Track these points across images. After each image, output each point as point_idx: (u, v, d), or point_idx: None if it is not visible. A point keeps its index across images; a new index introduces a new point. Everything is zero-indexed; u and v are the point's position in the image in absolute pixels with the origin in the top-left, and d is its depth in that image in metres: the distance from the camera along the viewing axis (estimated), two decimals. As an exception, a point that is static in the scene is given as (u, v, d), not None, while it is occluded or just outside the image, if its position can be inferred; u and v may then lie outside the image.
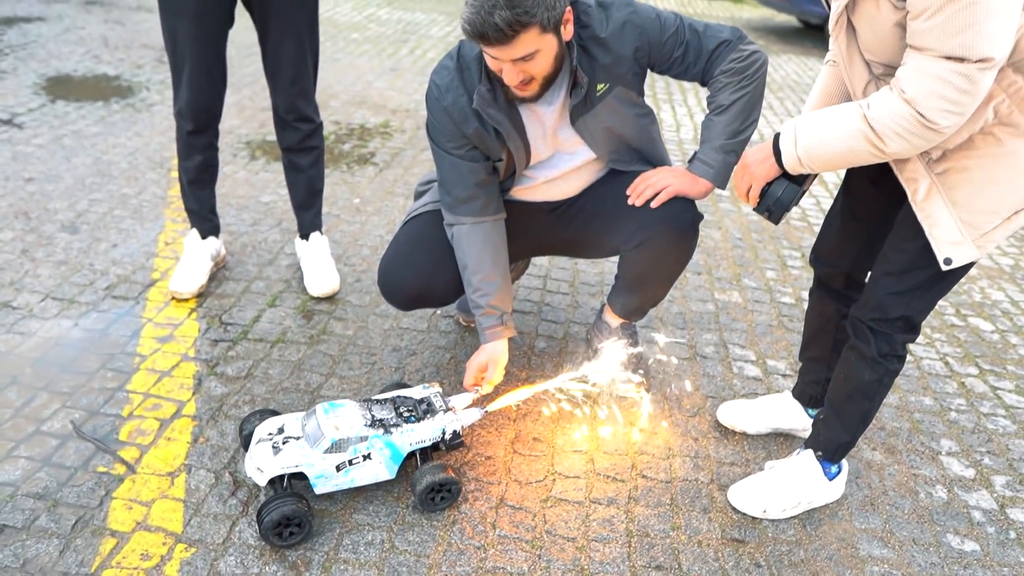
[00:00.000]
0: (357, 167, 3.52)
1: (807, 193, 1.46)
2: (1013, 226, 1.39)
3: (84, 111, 3.84)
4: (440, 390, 1.80)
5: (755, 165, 1.51)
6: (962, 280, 3.07)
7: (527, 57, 1.58)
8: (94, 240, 2.65)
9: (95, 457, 1.73)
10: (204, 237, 2.45)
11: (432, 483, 1.63)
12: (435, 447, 1.71)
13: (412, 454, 1.69)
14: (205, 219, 2.45)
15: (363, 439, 1.60)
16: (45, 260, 2.50)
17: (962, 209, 1.39)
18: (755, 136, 1.72)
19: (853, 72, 1.42)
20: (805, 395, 1.99)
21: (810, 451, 1.80)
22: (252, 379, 2.05)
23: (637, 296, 2.04)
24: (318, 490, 1.61)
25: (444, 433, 1.70)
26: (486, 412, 1.82)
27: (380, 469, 1.65)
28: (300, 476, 1.60)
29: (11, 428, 1.79)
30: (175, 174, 3.18)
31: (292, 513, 1.51)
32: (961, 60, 1.18)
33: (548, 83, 1.69)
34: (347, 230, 2.91)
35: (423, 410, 1.71)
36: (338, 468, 1.60)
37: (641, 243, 1.90)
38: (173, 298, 2.35)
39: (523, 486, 1.78)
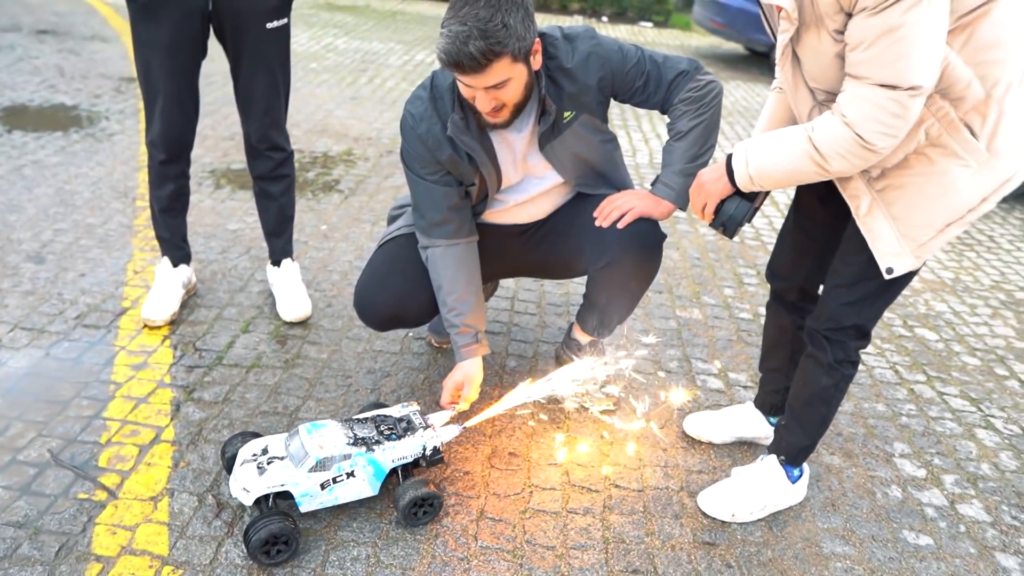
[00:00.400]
0: (323, 195, 3.56)
1: (759, 211, 1.56)
2: (946, 237, 1.51)
3: (43, 141, 3.82)
4: (419, 408, 1.85)
5: (710, 184, 1.61)
6: (908, 293, 3.23)
7: (499, 85, 1.66)
8: (61, 270, 2.64)
9: (75, 484, 1.74)
10: (175, 265, 2.47)
11: (415, 498, 1.68)
12: (416, 464, 1.76)
13: (394, 471, 1.73)
14: (176, 247, 2.47)
15: (346, 457, 1.64)
16: (11, 290, 2.49)
17: (900, 223, 1.50)
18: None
19: (798, 98, 1.54)
20: (766, 404, 2.09)
21: (773, 456, 1.90)
22: (230, 403, 2.07)
23: (605, 313, 2.13)
24: (303, 508, 1.65)
25: (424, 450, 1.75)
26: (464, 428, 1.88)
27: (363, 486, 1.69)
28: (285, 495, 1.62)
29: (-13, 458, 1.79)
30: (141, 203, 3.19)
31: (280, 531, 1.55)
32: (893, 87, 1.30)
33: (518, 110, 1.77)
34: (316, 256, 2.94)
35: (403, 428, 1.76)
36: (323, 486, 1.63)
37: (608, 264, 1.99)
38: (146, 326, 2.36)
39: (502, 499, 1.83)
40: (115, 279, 2.62)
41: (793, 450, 1.87)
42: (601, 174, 2.05)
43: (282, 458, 1.64)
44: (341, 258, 2.95)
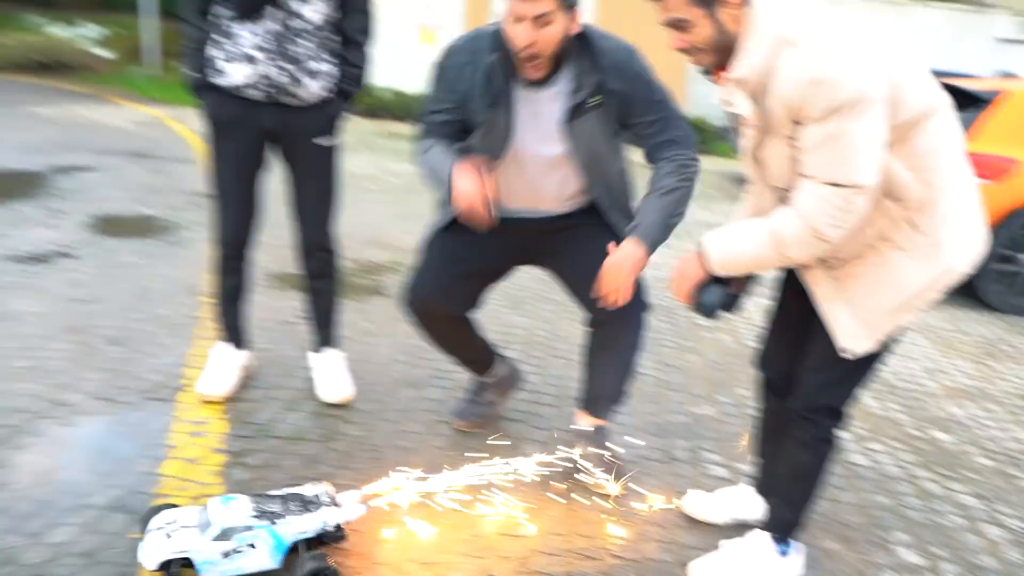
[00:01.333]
0: (368, 297, 3.89)
1: (744, 297, 1.76)
2: (897, 321, 1.71)
3: (129, 245, 4.30)
4: (330, 488, 1.98)
5: (687, 269, 1.85)
6: (924, 397, 3.33)
7: (543, 19, 1.92)
8: (134, 351, 2.98)
9: (131, 527, 1.97)
10: (234, 348, 2.78)
11: (311, 569, 1.77)
12: (319, 540, 1.87)
13: (297, 546, 1.83)
14: (235, 333, 2.79)
15: (249, 528, 1.77)
16: (92, 366, 2.83)
17: (856, 307, 1.71)
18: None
19: (763, 195, 1.79)
20: (764, 487, 2.23)
21: (763, 532, 2.03)
22: (272, 469, 2.31)
23: (598, 381, 2.36)
24: (209, 575, 1.76)
25: (326, 525, 1.86)
26: (368, 507, 1.99)
27: (265, 558, 1.80)
28: (189, 563, 1.74)
29: (59, 502, 2.05)
30: (204, 298, 3.56)
31: None
32: (839, 185, 1.55)
33: (551, 69, 2.05)
34: (358, 349, 3.22)
35: (309, 505, 1.89)
36: (225, 555, 1.75)
37: (598, 322, 2.27)
38: (204, 400, 2.64)
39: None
40: (179, 361, 2.94)
41: (780, 525, 2.00)
42: (611, 187, 2.24)
43: (189, 527, 1.78)
44: (381, 352, 3.23)
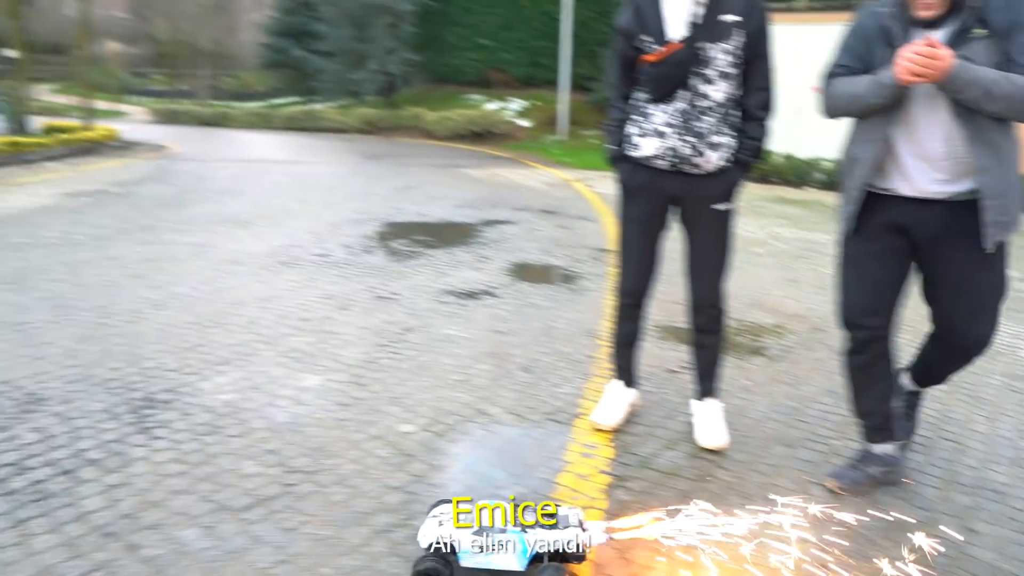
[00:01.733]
0: (749, 356, 3.99)
1: None
2: None
3: (538, 290, 4.99)
4: (582, 513, 2.14)
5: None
6: None
7: None
8: (541, 379, 3.48)
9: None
10: (624, 387, 3.11)
11: None
12: (562, 555, 2.05)
13: (541, 555, 2.04)
14: (627, 373, 3.12)
15: (503, 531, 2.04)
16: (507, 387, 3.38)
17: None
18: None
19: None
20: None
21: None
22: (648, 496, 2.55)
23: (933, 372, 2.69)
24: (463, 563, 2.06)
25: (568, 543, 2.03)
26: (610, 538, 2.11)
27: (512, 560, 2.04)
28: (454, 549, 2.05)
29: (480, 488, 2.52)
30: (600, 342, 3.99)
31: (431, 570, 2.01)
32: None
33: (945, 9, 2.20)
34: (735, 403, 3.35)
35: (560, 523, 2.08)
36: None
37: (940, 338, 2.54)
38: (595, 428, 3.00)
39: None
40: (577, 393, 3.36)
41: None
42: (999, 154, 2.26)
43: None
44: (758, 408, 3.32)
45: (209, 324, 4.12)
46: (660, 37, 2.66)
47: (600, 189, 9.91)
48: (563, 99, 17.40)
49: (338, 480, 2.58)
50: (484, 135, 17.49)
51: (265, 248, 6.02)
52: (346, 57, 20.85)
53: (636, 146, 2.78)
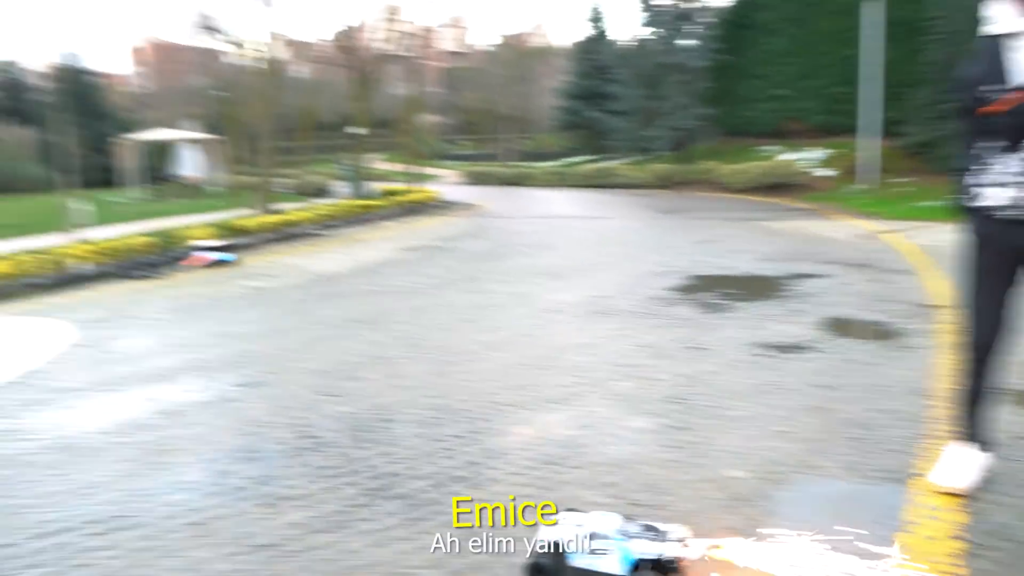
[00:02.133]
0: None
1: None
2: None
3: (857, 345, 4.82)
4: (687, 533, 2.39)
5: None
6: None
7: None
8: (870, 435, 3.38)
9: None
10: (976, 449, 2.92)
11: None
12: (661, 566, 2.27)
13: (647, 564, 2.26)
14: (979, 435, 2.92)
15: (608, 538, 2.29)
16: (836, 441, 3.33)
17: None
18: None
19: None
20: None
21: None
22: (1007, 567, 2.39)
23: None
24: (574, 563, 2.26)
25: (665, 555, 2.27)
26: (704, 556, 2.32)
27: (615, 565, 2.24)
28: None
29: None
30: (933, 400, 3.76)
31: (543, 565, 2.27)
32: None
33: None
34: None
35: (661, 536, 2.33)
36: (589, 552, 2.26)
37: None
38: (939, 490, 2.85)
39: None
40: (910, 451, 3.21)
41: None
42: None
43: (580, 526, 2.34)
44: None
45: (538, 366, 4.56)
46: (1008, 86, 2.59)
47: (922, 240, 9.20)
48: (866, 146, 16.39)
49: (678, 516, 2.74)
50: (779, 186, 17.04)
51: (579, 298, 6.48)
52: (639, 115, 21.58)
53: (984, 196, 2.69)
